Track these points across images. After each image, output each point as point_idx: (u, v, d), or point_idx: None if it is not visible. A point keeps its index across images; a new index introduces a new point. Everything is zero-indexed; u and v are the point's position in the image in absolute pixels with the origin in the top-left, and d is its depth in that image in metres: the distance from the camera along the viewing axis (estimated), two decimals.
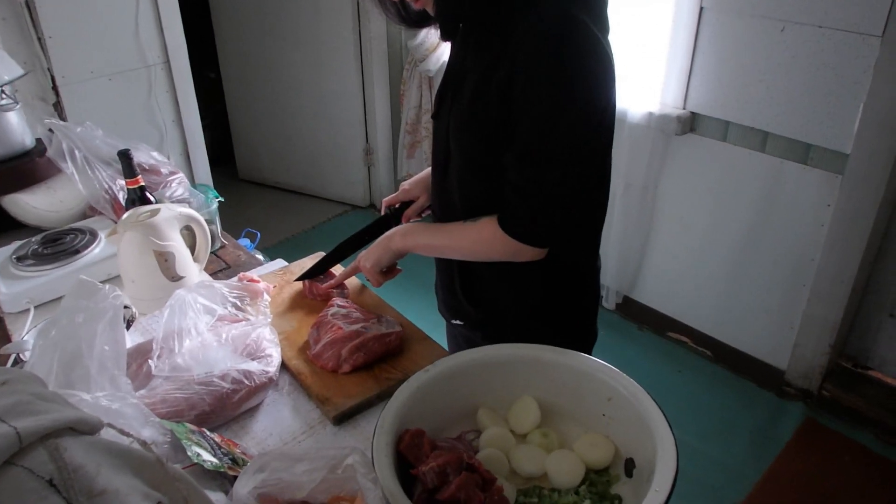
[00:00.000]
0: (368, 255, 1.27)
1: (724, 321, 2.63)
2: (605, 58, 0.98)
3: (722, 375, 2.63)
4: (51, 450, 0.44)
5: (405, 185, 1.41)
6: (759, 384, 2.56)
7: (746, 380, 2.59)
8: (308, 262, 1.45)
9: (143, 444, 0.54)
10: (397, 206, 1.41)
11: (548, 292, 1.20)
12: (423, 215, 1.42)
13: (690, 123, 2.42)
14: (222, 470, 0.81)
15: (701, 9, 2.24)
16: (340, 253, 1.41)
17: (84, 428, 0.48)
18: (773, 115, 2.20)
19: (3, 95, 1.72)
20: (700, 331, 2.72)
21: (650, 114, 2.43)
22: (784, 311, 2.42)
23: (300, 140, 3.82)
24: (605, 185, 1.16)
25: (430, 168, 1.37)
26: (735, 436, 2.35)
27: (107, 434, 0.52)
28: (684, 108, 2.41)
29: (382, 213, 1.43)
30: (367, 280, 1.32)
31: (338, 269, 1.42)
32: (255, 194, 4.00)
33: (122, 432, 0.54)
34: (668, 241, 2.69)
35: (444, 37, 1.06)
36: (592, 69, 0.96)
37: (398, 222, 1.40)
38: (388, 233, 1.25)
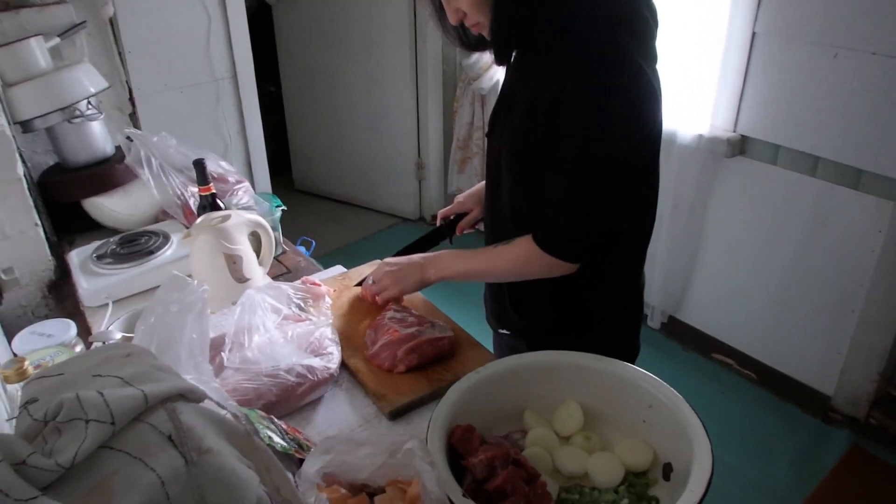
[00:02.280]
0: (397, 281, 1.31)
1: (770, 344, 2.62)
2: (648, 86, 1.03)
3: (766, 399, 2.62)
4: (169, 411, 0.52)
5: (459, 198, 1.48)
6: (805, 409, 2.55)
7: (791, 404, 2.58)
8: (366, 269, 1.53)
9: (235, 417, 0.62)
10: (452, 217, 1.49)
11: (592, 306, 1.25)
12: (477, 227, 1.49)
13: (740, 146, 2.45)
14: (290, 452, 0.89)
15: (753, 34, 2.27)
16: None
17: (192, 396, 0.56)
18: (824, 140, 2.21)
19: (90, 106, 1.86)
20: (745, 353, 2.71)
21: (700, 136, 2.46)
22: (832, 336, 2.41)
23: (354, 153, 3.95)
24: (649, 207, 1.20)
25: (482, 183, 1.44)
26: (778, 460, 2.35)
27: (207, 405, 0.60)
28: (734, 131, 2.44)
29: (438, 224, 1.50)
30: (371, 289, 1.37)
31: None
32: (309, 204, 4.14)
33: (219, 405, 0.62)
34: (716, 263, 2.70)
35: (498, 62, 1.13)
36: (634, 96, 1.02)
37: (452, 233, 1.47)
38: (422, 261, 1.30)
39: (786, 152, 2.34)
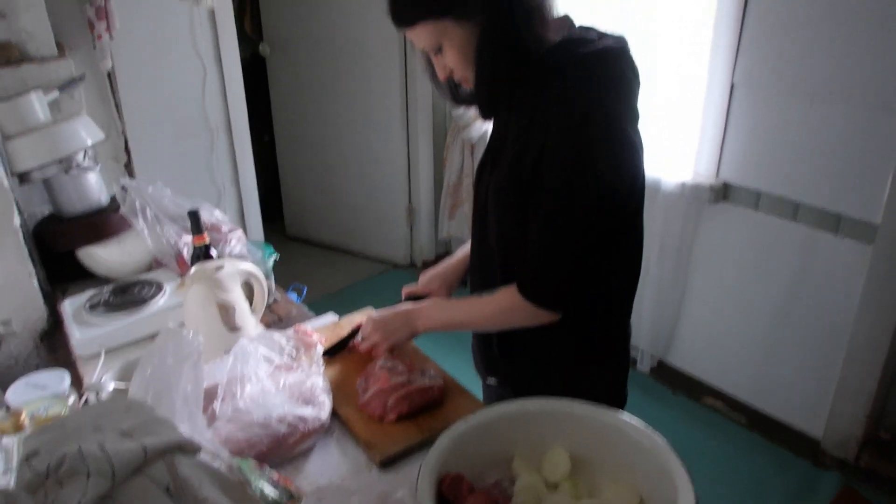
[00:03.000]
0: (387, 334, 1.34)
1: (759, 388, 2.64)
2: (629, 145, 1.08)
3: (757, 442, 2.63)
4: (168, 464, 0.54)
5: (423, 278, 1.52)
6: (795, 452, 2.55)
7: (782, 448, 2.59)
8: (357, 317, 1.55)
9: (229, 468, 0.64)
10: (417, 295, 1.50)
11: (578, 354, 1.28)
12: None
13: (723, 192, 2.51)
14: (281, 503, 0.90)
15: (732, 84, 2.35)
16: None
17: (189, 449, 0.58)
18: (803, 186, 2.27)
19: (86, 157, 1.90)
20: (735, 397, 2.73)
21: (684, 183, 2.52)
22: (819, 379, 2.43)
23: (346, 200, 4.00)
24: (632, 257, 1.24)
25: (446, 262, 1.48)
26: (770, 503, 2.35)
27: (202, 457, 0.62)
28: (717, 178, 2.50)
29: (403, 299, 1.52)
30: (363, 342, 1.38)
31: None
32: (301, 250, 4.17)
33: (213, 456, 0.64)
34: (703, 307, 2.74)
35: (483, 116, 1.18)
36: (615, 153, 1.07)
37: None
38: (407, 313, 1.33)
39: (767, 198, 2.40)
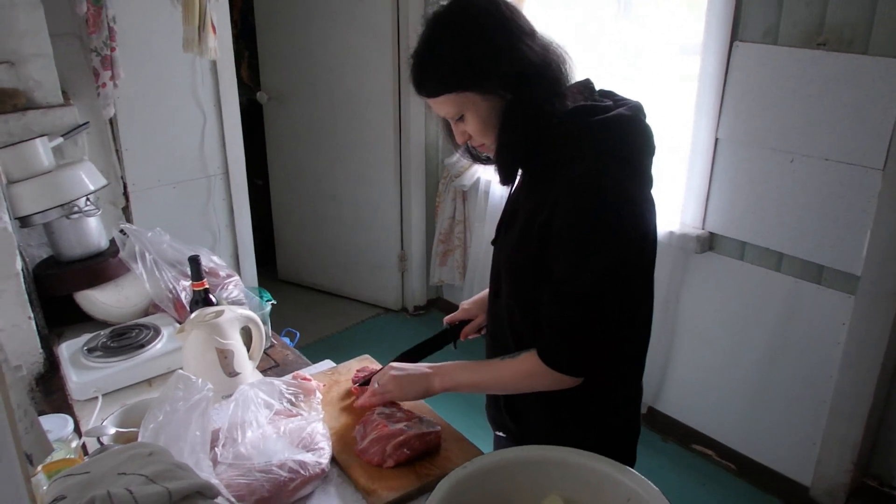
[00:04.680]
0: (402, 388, 1.31)
1: (748, 435, 2.66)
2: (637, 213, 1.12)
3: (746, 490, 2.64)
4: None
5: (465, 304, 1.54)
6: (785, 500, 2.56)
7: (771, 496, 2.60)
8: (355, 364, 1.58)
9: None
10: (457, 323, 1.53)
11: (587, 417, 1.29)
12: (482, 332, 1.52)
13: (709, 242, 2.57)
14: None
15: (716, 140, 2.44)
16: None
17: (208, 493, 0.60)
18: (786, 238, 2.34)
19: (88, 202, 1.93)
20: (724, 444, 2.74)
21: (671, 233, 2.59)
22: (806, 427, 2.46)
23: (339, 245, 4.04)
24: (642, 319, 1.25)
25: (485, 291, 1.49)
26: None
27: (220, 501, 0.64)
28: (703, 228, 2.57)
29: (445, 326, 1.54)
30: (379, 395, 1.35)
31: None
32: (293, 295, 4.18)
33: (228, 500, 0.66)
34: (691, 354, 2.78)
35: (503, 182, 1.21)
36: (621, 224, 1.10)
37: (456, 338, 1.52)
38: (426, 372, 1.30)
39: (752, 248, 2.47)
